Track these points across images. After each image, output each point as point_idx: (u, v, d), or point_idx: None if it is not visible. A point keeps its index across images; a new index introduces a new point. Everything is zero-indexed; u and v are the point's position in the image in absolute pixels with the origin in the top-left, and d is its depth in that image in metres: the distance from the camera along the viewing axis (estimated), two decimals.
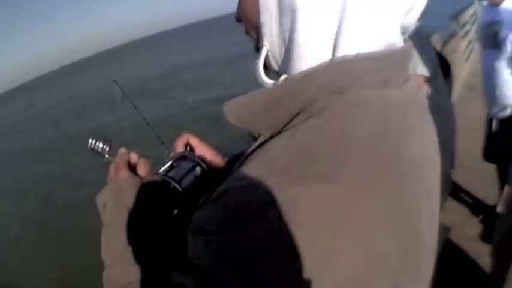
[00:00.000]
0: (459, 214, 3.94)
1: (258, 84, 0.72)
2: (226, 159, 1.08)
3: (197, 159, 1.00)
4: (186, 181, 0.94)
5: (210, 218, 0.59)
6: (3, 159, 20.24)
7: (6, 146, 23.41)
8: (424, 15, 0.73)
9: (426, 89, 2.38)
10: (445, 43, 6.35)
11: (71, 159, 14.77)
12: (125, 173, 0.97)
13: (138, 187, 0.94)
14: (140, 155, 1.05)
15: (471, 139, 4.11)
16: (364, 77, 0.64)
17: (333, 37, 0.64)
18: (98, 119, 19.18)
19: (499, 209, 2.91)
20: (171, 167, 0.99)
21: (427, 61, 2.37)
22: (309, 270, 0.50)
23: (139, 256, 0.85)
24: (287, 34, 0.68)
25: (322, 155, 0.55)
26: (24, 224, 10.92)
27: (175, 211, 0.93)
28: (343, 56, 0.64)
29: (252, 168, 0.59)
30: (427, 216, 0.67)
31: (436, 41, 5.73)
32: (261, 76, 0.74)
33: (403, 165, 0.61)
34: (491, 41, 2.94)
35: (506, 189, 2.85)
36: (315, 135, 0.58)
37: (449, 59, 3.41)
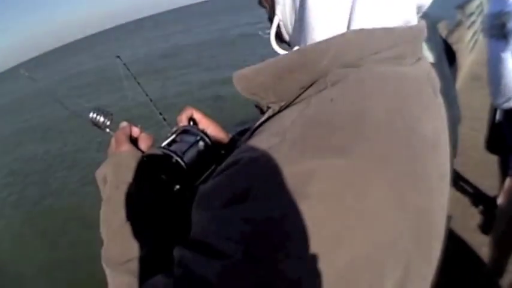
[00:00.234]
0: (459, 204, 3.92)
1: None
2: (230, 135, 1.06)
3: (201, 134, 0.97)
4: (189, 155, 0.91)
5: (216, 191, 0.56)
6: (1, 139, 20.19)
7: (6, 124, 23.37)
8: (431, 4, 0.72)
9: None
10: (450, 32, 6.32)
11: (70, 139, 14.78)
12: (126, 147, 0.94)
13: (139, 161, 0.91)
14: (142, 130, 1.03)
15: (473, 129, 4.10)
16: (378, 51, 0.62)
17: (348, 10, 0.63)
18: (99, 97, 19.14)
19: (499, 200, 2.91)
20: (173, 141, 0.96)
21: (432, 46, 2.34)
22: (321, 247, 0.48)
23: (139, 232, 0.82)
24: (298, 2, 0.67)
25: (338, 128, 0.53)
26: (16, 204, 10.89)
27: (177, 186, 0.90)
28: (359, 29, 0.62)
29: (262, 140, 0.57)
30: (438, 199, 0.65)
31: (441, 29, 5.69)
32: (272, 45, 0.73)
33: (418, 143, 0.59)
34: (498, 32, 2.91)
35: (508, 181, 2.83)
36: (330, 108, 0.56)
37: (454, 48, 3.38)
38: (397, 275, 0.55)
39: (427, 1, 0.71)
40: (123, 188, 0.87)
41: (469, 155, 4.16)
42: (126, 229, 0.82)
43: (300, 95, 0.63)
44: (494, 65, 2.94)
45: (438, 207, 0.65)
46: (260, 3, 0.79)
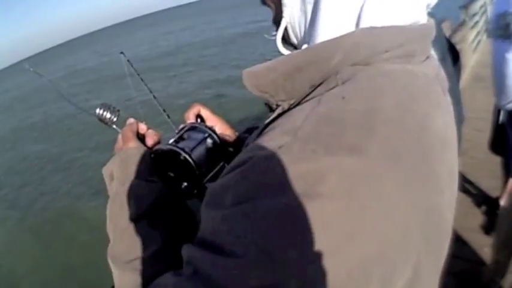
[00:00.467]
0: (461, 204, 3.86)
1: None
2: (237, 133, 1.05)
3: (209, 131, 0.96)
4: (197, 152, 0.90)
5: (227, 190, 0.55)
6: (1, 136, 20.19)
7: (7, 121, 23.38)
8: (435, 4, 0.73)
9: None
10: (453, 32, 6.31)
11: (68, 138, 14.79)
12: (133, 143, 0.94)
13: (147, 158, 0.90)
14: (149, 127, 1.02)
15: (476, 129, 4.09)
16: (388, 50, 0.62)
17: (358, 9, 0.63)
18: (100, 94, 19.16)
19: (502, 201, 2.90)
20: (181, 138, 0.95)
21: (436, 45, 2.33)
22: (334, 245, 0.48)
23: (146, 230, 0.81)
24: (309, 6, 0.67)
25: (350, 125, 0.53)
26: (12, 204, 10.88)
27: (185, 183, 0.89)
28: (369, 27, 0.62)
29: (273, 138, 0.56)
30: (448, 196, 0.65)
31: (445, 29, 5.68)
32: (279, 48, 0.73)
33: (428, 141, 0.59)
34: (503, 32, 2.91)
35: (510, 182, 2.83)
36: (342, 105, 0.56)
37: (457, 47, 3.37)
38: (407, 274, 0.55)
39: (434, 0, 0.71)
40: (130, 186, 0.86)
41: (472, 155, 4.15)
42: (133, 227, 0.81)
43: (310, 93, 0.63)
44: (499, 66, 2.94)
45: (447, 205, 0.65)
46: (264, 3, 0.79)
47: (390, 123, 0.55)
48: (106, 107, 1.05)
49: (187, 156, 0.86)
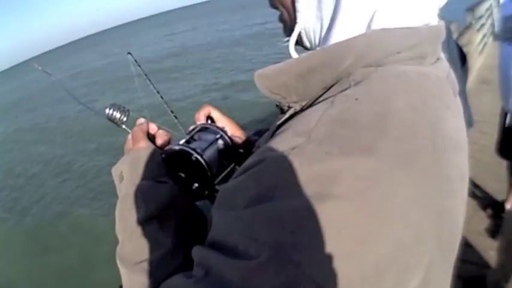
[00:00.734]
0: (467, 207, 3.84)
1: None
2: (246, 134, 1.05)
3: (220, 132, 0.96)
4: (209, 153, 0.90)
5: (240, 191, 0.55)
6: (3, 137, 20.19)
7: (10, 122, 23.41)
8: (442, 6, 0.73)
9: None
10: (460, 34, 6.30)
11: (71, 140, 14.79)
12: (143, 143, 0.93)
13: (158, 158, 0.89)
14: (160, 127, 1.01)
15: (481, 132, 4.08)
16: (400, 51, 0.62)
17: (371, 11, 0.63)
18: (104, 93, 19.17)
19: (508, 205, 2.89)
20: (192, 139, 0.95)
21: (445, 47, 2.33)
22: (347, 247, 0.48)
23: (156, 231, 0.80)
24: (326, 13, 0.67)
25: (364, 127, 0.53)
26: (7, 207, 10.88)
27: (196, 184, 0.89)
28: (381, 28, 0.62)
29: (287, 139, 0.56)
30: (459, 198, 0.65)
31: (452, 31, 5.67)
32: (291, 53, 0.72)
33: (441, 143, 0.59)
34: (510, 35, 2.89)
35: None
36: (355, 107, 0.56)
37: (464, 50, 3.36)
38: (419, 276, 0.55)
39: (444, 1, 0.71)
40: (140, 186, 0.85)
41: (477, 158, 4.13)
42: (143, 228, 0.80)
43: (322, 94, 0.63)
44: (506, 69, 2.92)
45: (459, 207, 0.65)
46: (274, 7, 0.78)
47: (403, 125, 0.55)
48: (116, 106, 1.04)
49: (199, 157, 0.86)
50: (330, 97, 0.60)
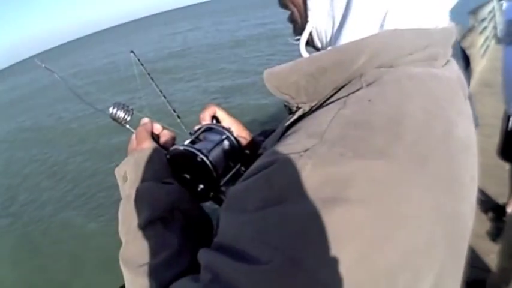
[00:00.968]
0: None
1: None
2: (252, 135, 1.04)
3: (226, 132, 0.94)
4: (214, 154, 0.88)
5: (250, 193, 0.54)
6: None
7: (9, 121, 23.35)
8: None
9: None
10: (463, 37, 6.30)
11: (67, 141, 14.75)
12: (148, 143, 0.91)
13: (162, 159, 0.88)
14: (164, 127, 1.00)
15: (484, 135, 4.04)
16: (412, 52, 0.61)
17: (383, 12, 0.62)
18: (106, 93, 19.12)
19: (509, 209, 2.88)
20: (197, 139, 0.93)
21: (452, 49, 2.32)
22: (361, 251, 0.47)
23: (161, 233, 0.79)
24: (338, 11, 0.66)
25: (378, 129, 0.52)
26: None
27: (201, 186, 0.88)
28: (393, 29, 0.61)
29: (298, 141, 0.55)
30: (469, 202, 0.64)
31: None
32: (302, 53, 0.71)
33: (453, 146, 0.58)
34: None
35: None
36: (368, 108, 0.55)
37: (467, 53, 3.35)
38: (430, 281, 0.54)
39: (453, 2, 0.70)
40: (144, 187, 0.83)
41: (479, 160, 4.12)
42: (147, 230, 0.79)
43: (332, 95, 0.62)
44: (509, 72, 2.92)
45: (468, 211, 0.64)
46: (284, 6, 0.77)
47: (417, 128, 0.54)
48: (119, 105, 1.03)
49: (204, 158, 0.84)
50: (341, 98, 0.59)
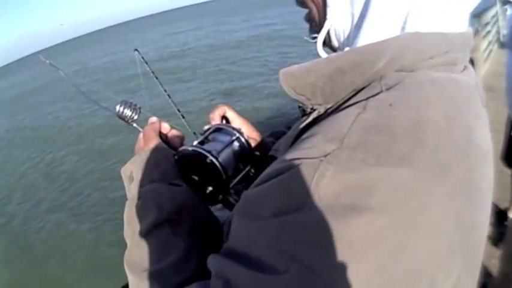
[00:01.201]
0: None
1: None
2: (262, 136, 1.02)
3: (237, 133, 0.91)
4: (224, 155, 0.86)
5: (266, 199, 0.52)
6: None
7: (9, 119, 23.30)
8: None
9: None
10: None
11: (65, 141, 14.69)
12: (155, 143, 0.88)
13: (170, 159, 0.86)
14: (172, 127, 0.97)
15: None
16: (433, 56, 0.60)
17: (405, 13, 0.61)
18: (109, 91, 19.09)
19: (510, 214, 2.87)
20: (206, 140, 0.91)
21: None
22: (380, 260, 0.45)
23: (167, 237, 0.76)
24: (358, 8, 0.65)
25: (399, 134, 0.51)
26: None
27: (210, 188, 0.85)
28: (415, 32, 0.60)
29: (317, 145, 0.53)
30: (486, 210, 0.63)
31: None
32: (319, 52, 0.70)
33: (473, 153, 0.57)
34: None
35: None
36: (389, 113, 0.53)
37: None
38: None
39: (472, 7, 0.69)
40: (151, 188, 0.81)
41: None
42: (153, 232, 0.76)
43: (350, 98, 0.61)
44: None
45: (485, 220, 0.63)
46: (301, 4, 0.75)
47: (438, 134, 0.53)
48: (127, 104, 1.00)
49: (214, 160, 0.82)
50: (360, 101, 0.58)
